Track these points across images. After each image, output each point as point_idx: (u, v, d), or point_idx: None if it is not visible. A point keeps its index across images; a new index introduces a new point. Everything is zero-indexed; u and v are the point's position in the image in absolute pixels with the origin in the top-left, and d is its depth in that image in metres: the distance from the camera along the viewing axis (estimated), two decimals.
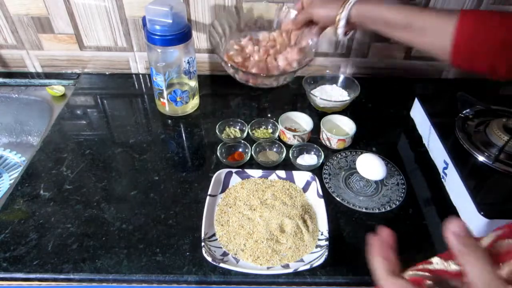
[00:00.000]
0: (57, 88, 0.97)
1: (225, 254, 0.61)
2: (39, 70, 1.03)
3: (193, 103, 0.90)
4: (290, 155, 0.77)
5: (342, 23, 0.63)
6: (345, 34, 0.66)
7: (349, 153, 0.80)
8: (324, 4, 0.66)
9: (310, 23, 0.72)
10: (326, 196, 0.70)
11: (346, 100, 0.89)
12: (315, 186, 0.70)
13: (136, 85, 1.01)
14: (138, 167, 0.76)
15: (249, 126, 0.83)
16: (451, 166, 0.69)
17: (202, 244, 0.60)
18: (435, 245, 0.64)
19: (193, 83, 0.87)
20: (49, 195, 0.70)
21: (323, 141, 0.82)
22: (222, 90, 0.98)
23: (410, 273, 0.39)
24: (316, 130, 0.83)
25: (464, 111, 0.80)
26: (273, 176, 0.73)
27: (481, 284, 0.28)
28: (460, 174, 0.66)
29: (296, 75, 0.79)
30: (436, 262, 0.39)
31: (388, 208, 0.69)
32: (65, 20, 0.92)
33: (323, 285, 0.59)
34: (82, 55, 1.00)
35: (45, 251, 0.60)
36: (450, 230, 0.29)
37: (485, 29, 0.50)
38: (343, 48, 0.92)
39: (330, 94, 0.93)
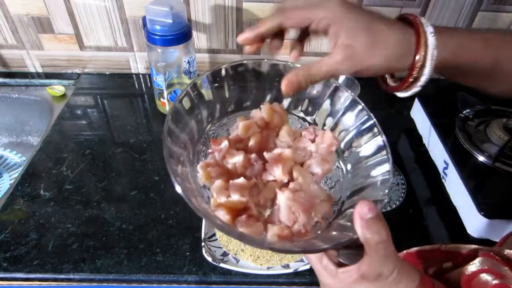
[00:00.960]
0: (57, 88, 0.97)
1: (225, 254, 0.61)
2: (39, 70, 1.03)
3: None
4: None
5: (426, 74, 0.37)
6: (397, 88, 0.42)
7: None
8: (383, 55, 0.36)
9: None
10: None
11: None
12: None
13: (136, 85, 1.01)
14: (138, 167, 0.76)
15: None
16: (451, 166, 0.69)
17: (202, 244, 0.60)
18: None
19: None
20: (49, 195, 0.70)
21: None
22: None
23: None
24: None
25: (464, 111, 0.80)
26: None
27: (371, 272, 0.31)
28: (460, 174, 0.66)
29: None
30: None
31: (388, 208, 0.69)
32: (65, 20, 0.92)
33: None
34: (82, 55, 1.00)
35: (45, 251, 0.60)
36: (357, 211, 0.31)
37: None
38: None
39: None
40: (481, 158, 0.70)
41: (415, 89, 0.39)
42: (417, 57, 0.36)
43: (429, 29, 0.35)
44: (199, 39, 0.97)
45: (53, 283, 0.59)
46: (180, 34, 0.76)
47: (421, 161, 0.79)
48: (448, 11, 0.91)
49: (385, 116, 0.93)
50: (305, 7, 0.36)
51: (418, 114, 0.86)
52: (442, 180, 0.74)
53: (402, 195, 0.71)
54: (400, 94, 0.42)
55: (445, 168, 0.72)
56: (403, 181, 0.74)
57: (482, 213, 0.60)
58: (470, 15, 0.92)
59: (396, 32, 0.36)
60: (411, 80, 0.38)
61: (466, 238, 0.64)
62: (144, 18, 0.77)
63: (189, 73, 0.83)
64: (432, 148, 0.79)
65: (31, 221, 0.65)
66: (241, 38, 0.39)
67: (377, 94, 0.99)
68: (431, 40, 0.35)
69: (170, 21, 0.73)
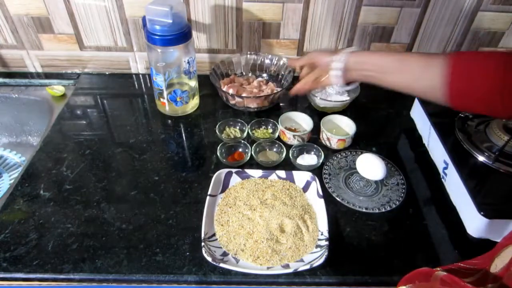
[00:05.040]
0: (57, 88, 0.97)
1: (225, 254, 0.61)
2: (39, 70, 1.03)
3: (193, 103, 0.90)
4: (290, 155, 0.77)
5: (339, 66, 0.64)
6: (347, 84, 0.67)
7: (349, 153, 0.80)
8: (323, 53, 0.69)
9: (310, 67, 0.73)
10: (326, 196, 0.70)
11: (346, 100, 0.89)
12: (315, 186, 0.70)
13: (136, 85, 1.01)
14: (138, 167, 0.76)
15: (249, 126, 0.83)
16: (451, 166, 0.69)
17: (202, 244, 0.60)
18: (435, 245, 0.64)
19: (193, 83, 0.87)
20: (49, 195, 0.70)
21: (323, 141, 0.82)
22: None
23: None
24: (316, 130, 0.83)
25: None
26: (273, 176, 0.73)
27: None
28: (460, 174, 0.66)
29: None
30: None
31: (388, 208, 0.69)
32: (65, 20, 0.92)
33: (323, 285, 0.59)
34: (82, 55, 1.00)
35: (45, 251, 0.60)
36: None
37: (477, 67, 0.49)
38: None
39: (330, 94, 0.93)
40: (481, 158, 0.70)
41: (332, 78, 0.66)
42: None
43: (349, 49, 0.66)
44: (199, 39, 0.97)
45: (53, 283, 0.59)
46: (180, 34, 0.76)
47: (421, 161, 0.79)
48: (448, 11, 0.91)
49: (385, 116, 0.93)
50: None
51: (418, 114, 0.86)
52: (442, 180, 0.74)
53: (402, 195, 0.71)
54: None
55: (445, 168, 0.72)
56: (403, 181, 0.74)
57: (482, 213, 0.60)
58: (470, 15, 0.92)
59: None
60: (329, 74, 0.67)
61: (466, 238, 0.64)
62: (144, 18, 0.77)
63: (189, 73, 0.83)
64: (432, 148, 0.79)
65: (31, 221, 0.65)
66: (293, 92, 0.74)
67: (377, 94, 0.99)
68: (343, 54, 0.64)
69: (170, 21, 0.73)
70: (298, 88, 0.73)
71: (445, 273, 0.34)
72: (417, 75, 0.55)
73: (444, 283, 0.35)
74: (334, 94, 0.93)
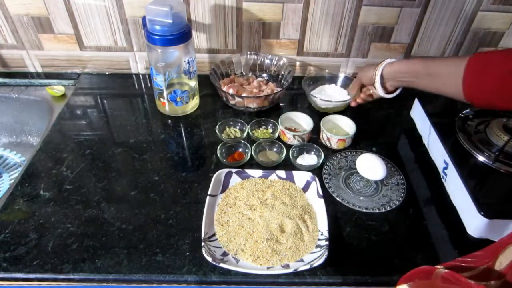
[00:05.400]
0: (57, 88, 0.97)
1: (225, 254, 0.61)
2: (39, 70, 1.03)
3: (193, 103, 0.90)
4: (290, 155, 0.77)
5: (377, 79, 0.74)
6: (391, 93, 0.76)
7: (349, 153, 0.80)
8: (366, 69, 0.80)
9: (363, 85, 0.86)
10: (326, 196, 0.70)
11: (347, 100, 0.89)
12: (315, 186, 0.70)
13: (136, 85, 1.01)
14: (138, 167, 0.76)
15: (249, 126, 0.83)
16: (451, 166, 0.69)
17: (202, 244, 0.60)
18: (435, 245, 0.64)
19: (193, 83, 0.87)
20: (49, 195, 0.70)
21: (323, 141, 0.82)
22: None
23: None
24: (316, 130, 0.83)
25: (464, 111, 0.80)
26: (273, 176, 0.73)
27: None
28: (460, 174, 0.66)
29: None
30: None
31: (388, 208, 0.69)
32: (65, 20, 0.92)
33: (323, 285, 0.59)
34: (82, 55, 1.00)
35: (45, 251, 0.60)
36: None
37: (491, 63, 0.53)
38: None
39: (330, 94, 0.93)
40: (481, 158, 0.70)
41: (378, 90, 0.77)
42: (375, 72, 0.75)
43: (388, 60, 0.74)
44: (199, 39, 0.97)
45: (53, 283, 0.59)
46: (180, 34, 0.76)
47: (421, 161, 0.79)
48: (448, 11, 0.91)
49: (385, 116, 0.93)
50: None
51: (418, 114, 0.86)
52: (442, 180, 0.74)
53: (402, 195, 0.71)
54: (375, 85, 0.77)
55: (445, 168, 0.72)
56: (403, 181, 0.74)
57: (482, 213, 0.60)
58: (470, 15, 0.92)
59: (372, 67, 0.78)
60: (374, 85, 0.77)
61: (466, 238, 0.64)
62: (144, 18, 0.77)
63: (189, 73, 0.83)
64: (432, 148, 0.79)
65: (31, 221, 0.65)
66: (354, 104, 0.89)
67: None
68: (383, 64, 0.74)
69: (170, 21, 0.73)
70: (358, 102, 0.87)
71: (446, 270, 0.34)
72: (443, 78, 0.60)
73: (446, 280, 0.35)
74: (334, 94, 0.93)
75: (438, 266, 0.41)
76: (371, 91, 0.83)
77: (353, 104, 0.88)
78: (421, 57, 0.72)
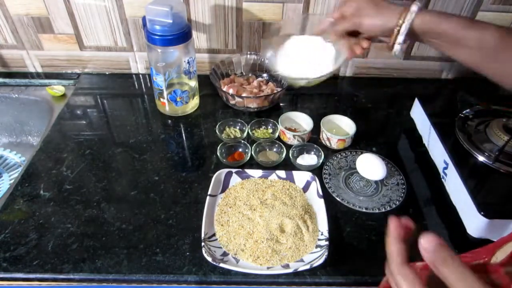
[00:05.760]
0: (57, 88, 0.97)
1: (225, 254, 0.61)
2: (39, 70, 1.03)
3: (193, 103, 0.90)
4: (290, 155, 0.77)
5: (402, 36, 0.53)
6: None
7: (349, 153, 0.80)
8: (379, 13, 0.55)
9: (350, 34, 0.60)
10: (326, 196, 0.70)
11: (330, 71, 0.64)
12: (315, 186, 0.70)
13: (136, 85, 1.01)
14: (138, 167, 0.76)
15: (249, 126, 0.83)
16: (451, 166, 0.69)
17: (202, 244, 0.60)
18: None
19: (193, 83, 0.87)
20: (49, 195, 0.70)
21: (323, 141, 0.82)
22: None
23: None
24: (316, 130, 0.83)
25: (464, 111, 0.80)
26: (273, 176, 0.73)
27: None
28: (460, 174, 0.66)
29: None
30: None
31: (388, 208, 0.69)
32: (65, 20, 0.92)
33: (323, 285, 0.59)
34: (82, 55, 1.00)
35: (45, 251, 0.60)
36: (422, 246, 0.30)
37: None
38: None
39: (303, 55, 0.66)
40: (481, 158, 0.70)
41: (396, 46, 0.55)
42: (401, 18, 0.53)
43: (416, 3, 0.52)
44: (199, 39, 0.97)
45: (53, 283, 0.59)
46: (180, 34, 0.76)
47: (421, 161, 0.79)
48: (448, 11, 0.91)
49: (385, 116, 0.93)
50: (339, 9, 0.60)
51: (418, 114, 0.86)
52: (442, 180, 0.74)
53: (402, 195, 0.71)
54: (391, 52, 0.57)
55: (445, 168, 0.72)
56: (403, 181, 0.74)
57: (482, 213, 0.60)
58: (470, 15, 0.92)
59: (393, 5, 0.55)
60: (394, 36, 0.54)
61: (466, 238, 0.64)
62: (144, 18, 0.77)
63: (189, 73, 0.83)
64: (432, 148, 0.79)
65: (31, 221, 0.65)
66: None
67: (377, 95, 0.99)
68: (413, 7, 0.52)
69: (170, 21, 0.73)
70: (357, 53, 0.61)
71: (423, 263, 0.34)
72: (502, 56, 0.47)
73: (426, 267, 0.35)
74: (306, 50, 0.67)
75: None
76: (365, 43, 0.59)
77: (349, 57, 0.61)
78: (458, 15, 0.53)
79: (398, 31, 0.53)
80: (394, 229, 0.34)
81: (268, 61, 0.69)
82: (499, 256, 0.39)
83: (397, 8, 0.54)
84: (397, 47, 0.55)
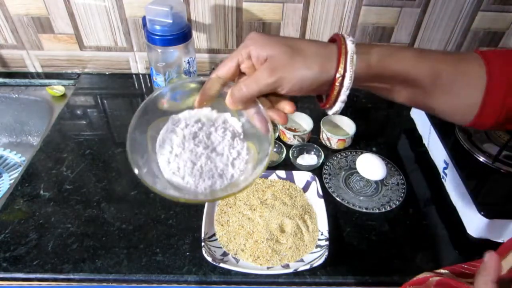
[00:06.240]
0: (57, 88, 0.97)
1: (225, 254, 0.61)
2: (39, 70, 1.03)
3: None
4: (290, 155, 0.77)
5: (347, 91, 0.37)
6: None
7: (349, 153, 0.80)
8: (302, 61, 0.36)
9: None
10: (326, 196, 0.70)
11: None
12: (315, 186, 0.70)
13: (136, 85, 1.01)
14: None
15: None
16: (451, 166, 0.69)
17: (202, 244, 0.60)
18: (435, 245, 0.64)
19: (193, 83, 0.87)
20: (49, 195, 0.70)
21: (323, 141, 0.82)
22: None
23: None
24: (316, 130, 0.83)
25: None
26: (273, 176, 0.73)
27: None
28: (460, 174, 0.66)
29: None
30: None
31: (388, 208, 0.69)
32: (65, 20, 0.92)
33: (323, 285, 0.59)
34: (82, 55, 1.00)
35: (45, 251, 0.60)
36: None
37: None
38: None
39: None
40: (481, 158, 0.70)
41: (339, 104, 0.39)
42: (340, 65, 0.36)
43: (349, 38, 0.37)
44: (199, 39, 0.97)
45: (53, 283, 0.59)
46: (180, 34, 0.76)
47: (421, 161, 0.79)
48: (448, 11, 0.91)
49: (385, 116, 0.93)
50: (235, 52, 0.40)
51: (418, 114, 0.86)
52: (442, 180, 0.74)
53: (402, 195, 0.71)
54: (329, 111, 0.41)
55: (445, 168, 0.72)
56: (403, 181, 0.74)
57: (482, 213, 0.60)
58: (470, 15, 0.92)
59: (315, 44, 0.38)
60: (335, 93, 0.37)
61: (466, 238, 0.64)
62: (144, 18, 0.77)
63: (189, 73, 0.83)
64: (432, 148, 0.79)
65: (31, 221, 0.65)
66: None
67: (377, 95, 0.99)
68: (350, 46, 0.36)
69: (170, 21, 0.73)
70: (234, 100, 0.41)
71: (437, 278, 0.34)
72: (456, 91, 0.38)
73: (439, 284, 0.35)
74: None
75: (441, 271, 0.40)
76: (289, 105, 0.41)
77: (266, 132, 0.41)
78: (403, 46, 0.43)
79: (341, 83, 0.36)
80: (494, 271, 0.32)
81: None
82: (505, 266, 0.38)
83: (325, 49, 0.37)
84: (339, 106, 0.39)
